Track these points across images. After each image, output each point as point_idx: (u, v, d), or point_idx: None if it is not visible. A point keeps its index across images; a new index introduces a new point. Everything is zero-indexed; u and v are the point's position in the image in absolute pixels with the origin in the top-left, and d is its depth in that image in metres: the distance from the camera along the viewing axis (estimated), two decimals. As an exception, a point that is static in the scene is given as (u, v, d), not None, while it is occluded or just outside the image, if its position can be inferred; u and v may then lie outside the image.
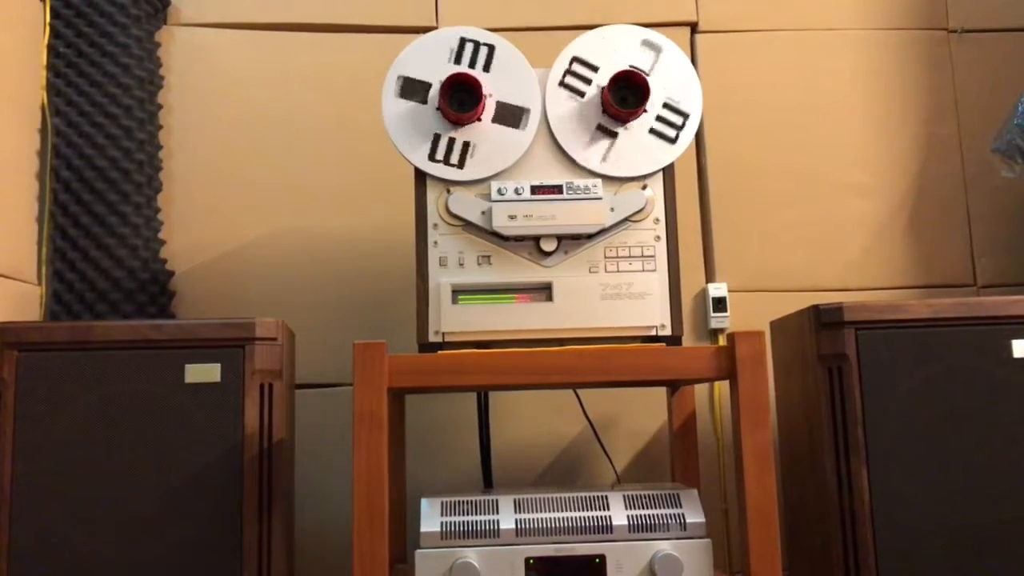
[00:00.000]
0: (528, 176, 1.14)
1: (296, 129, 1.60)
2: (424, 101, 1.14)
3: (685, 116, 1.15)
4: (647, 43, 1.16)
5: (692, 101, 1.16)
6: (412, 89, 1.14)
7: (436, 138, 1.13)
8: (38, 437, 1.10)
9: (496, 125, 1.14)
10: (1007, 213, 1.64)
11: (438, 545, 1.06)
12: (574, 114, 1.15)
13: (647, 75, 1.14)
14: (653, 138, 1.14)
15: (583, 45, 1.16)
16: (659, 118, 1.15)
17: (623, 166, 1.14)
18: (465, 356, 1.07)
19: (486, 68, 1.15)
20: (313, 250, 1.57)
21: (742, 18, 1.66)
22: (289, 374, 1.23)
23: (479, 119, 1.13)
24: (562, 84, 1.15)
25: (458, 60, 1.15)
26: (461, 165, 1.13)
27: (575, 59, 1.15)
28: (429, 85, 1.14)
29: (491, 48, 1.15)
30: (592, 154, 1.14)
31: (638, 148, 1.14)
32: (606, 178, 1.14)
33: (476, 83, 1.11)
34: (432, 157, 1.12)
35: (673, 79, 1.16)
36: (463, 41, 1.15)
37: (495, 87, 1.14)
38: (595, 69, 1.15)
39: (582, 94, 1.15)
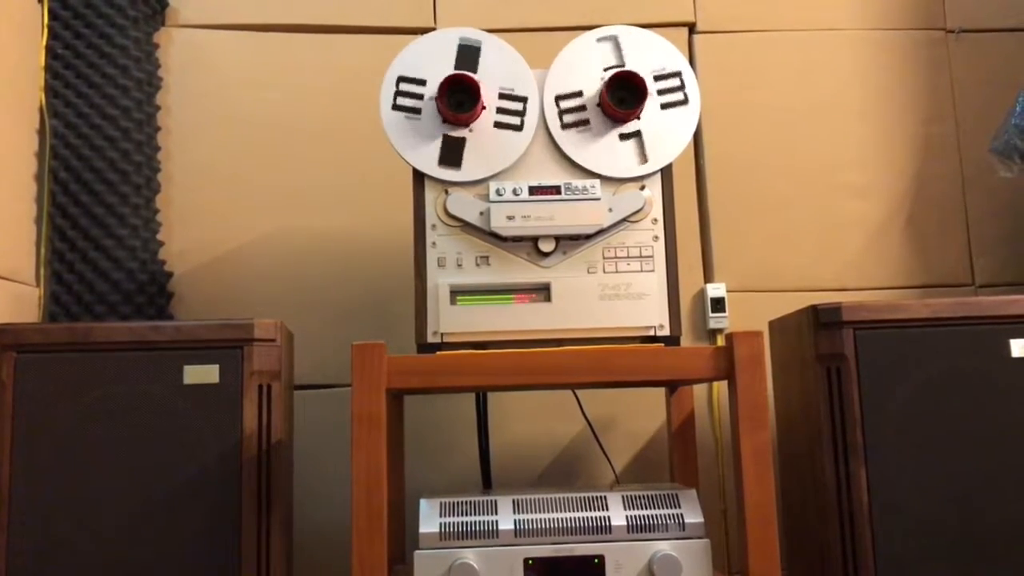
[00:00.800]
0: (526, 177, 1.14)
1: (294, 130, 1.60)
2: (421, 107, 1.14)
3: (523, 100, 1.15)
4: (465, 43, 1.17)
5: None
6: (410, 93, 1.14)
7: (440, 140, 1.13)
8: (36, 438, 1.10)
9: (501, 119, 1.14)
10: (1005, 213, 1.64)
11: (437, 546, 1.06)
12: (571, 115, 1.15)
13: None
14: (656, 133, 1.14)
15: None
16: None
17: (625, 166, 1.14)
18: (464, 357, 1.07)
19: (479, 68, 1.15)
20: (311, 251, 1.57)
21: (740, 18, 1.67)
22: (288, 375, 1.23)
23: (479, 118, 1.13)
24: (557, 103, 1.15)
25: (454, 62, 1.15)
26: (471, 163, 1.13)
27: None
28: (424, 81, 1.14)
29: (478, 48, 1.15)
30: (591, 154, 1.14)
31: (640, 146, 1.14)
32: (604, 178, 1.14)
33: (474, 83, 1.11)
34: (441, 162, 1.13)
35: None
36: (459, 41, 1.16)
37: (492, 86, 1.14)
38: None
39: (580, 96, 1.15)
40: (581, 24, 1.60)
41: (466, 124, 1.13)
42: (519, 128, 1.14)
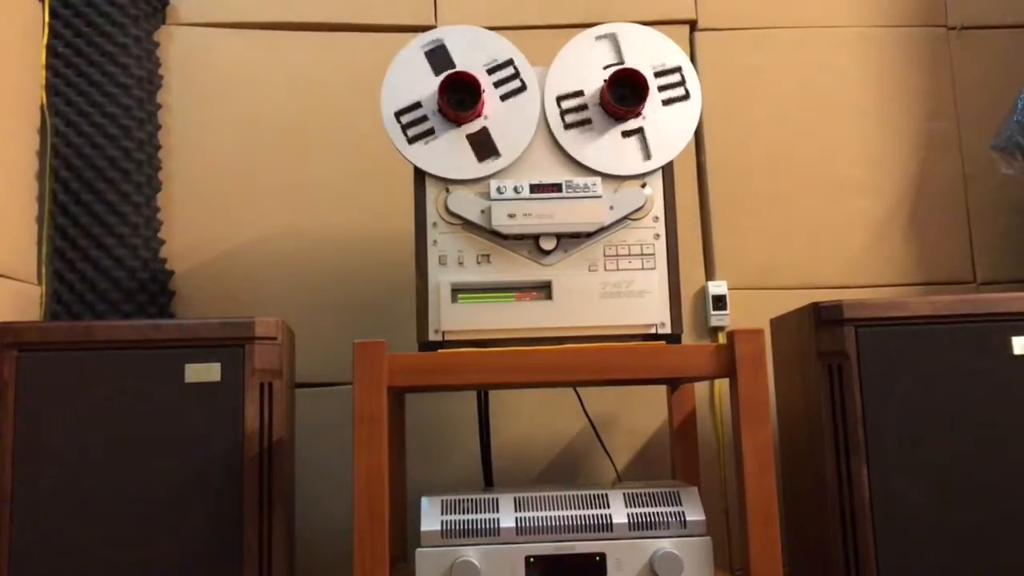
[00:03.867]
0: (527, 175, 1.14)
1: (295, 128, 1.60)
2: (426, 118, 1.14)
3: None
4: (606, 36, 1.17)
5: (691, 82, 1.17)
6: (413, 121, 1.14)
7: (451, 143, 1.13)
8: (38, 437, 1.10)
9: (502, 105, 1.14)
10: (1007, 210, 1.64)
11: (438, 544, 1.06)
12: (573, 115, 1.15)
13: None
14: (659, 129, 1.14)
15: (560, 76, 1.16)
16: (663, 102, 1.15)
17: (623, 164, 1.14)
18: (465, 355, 1.07)
19: (456, 61, 1.15)
20: (313, 249, 1.57)
21: (741, 16, 1.66)
22: (289, 373, 1.23)
23: (480, 115, 1.13)
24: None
25: (435, 68, 1.15)
26: (498, 152, 1.13)
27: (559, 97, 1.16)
28: (420, 104, 1.14)
29: (442, 43, 1.15)
30: (591, 152, 1.14)
31: (643, 143, 1.14)
32: (605, 176, 1.14)
33: (473, 80, 1.11)
34: (455, 162, 1.13)
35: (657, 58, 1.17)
36: (427, 51, 1.15)
37: (481, 73, 1.14)
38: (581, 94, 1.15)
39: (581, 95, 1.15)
40: (582, 21, 1.60)
41: (470, 120, 1.13)
42: (523, 88, 1.14)
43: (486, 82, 1.14)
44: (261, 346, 1.14)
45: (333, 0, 1.63)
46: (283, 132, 1.60)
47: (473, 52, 1.15)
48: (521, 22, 1.63)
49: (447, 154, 1.13)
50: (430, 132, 1.13)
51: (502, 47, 1.16)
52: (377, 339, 1.05)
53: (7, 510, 1.08)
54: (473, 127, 1.13)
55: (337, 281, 1.56)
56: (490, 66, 1.15)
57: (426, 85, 1.14)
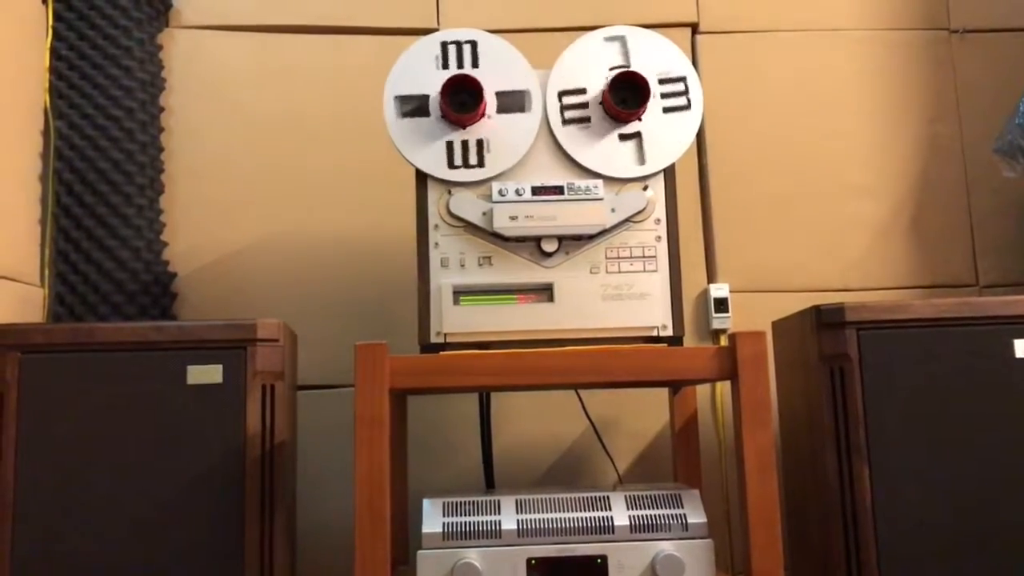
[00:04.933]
0: (529, 177, 1.14)
1: (298, 131, 1.60)
2: (426, 113, 1.14)
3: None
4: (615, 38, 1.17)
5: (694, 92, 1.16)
6: (410, 105, 1.14)
7: (449, 145, 1.13)
8: (40, 439, 1.10)
9: (503, 116, 1.14)
10: (1009, 213, 1.64)
11: (440, 546, 1.06)
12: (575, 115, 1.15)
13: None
14: (656, 136, 1.14)
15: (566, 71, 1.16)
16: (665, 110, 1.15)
17: (625, 166, 1.14)
18: (466, 357, 1.07)
19: (475, 64, 1.15)
20: (315, 252, 1.57)
21: (743, 19, 1.67)
22: (291, 375, 1.23)
23: (483, 116, 1.13)
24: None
25: (446, 64, 1.15)
26: (481, 163, 1.13)
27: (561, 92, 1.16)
28: (426, 97, 1.14)
29: (474, 44, 1.16)
30: (593, 154, 1.14)
31: (639, 147, 1.14)
32: (607, 178, 1.14)
33: (475, 82, 1.11)
34: (451, 164, 1.13)
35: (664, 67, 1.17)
36: (444, 45, 1.16)
37: (489, 80, 1.15)
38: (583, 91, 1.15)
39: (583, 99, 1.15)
40: (584, 24, 1.60)
41: (473, 123, 1.13)
42: (527, 110, 1.14)
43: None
44: (263, 348, 1.14)
45: (335, 3, 1.63)
46: (286, 134, 1.60)
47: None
48: (523, 25, 1.63)
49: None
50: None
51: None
52: (379, 341, 1.05)
53: (9, 511, 1.08)
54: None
55: (339, 283, 1.56)
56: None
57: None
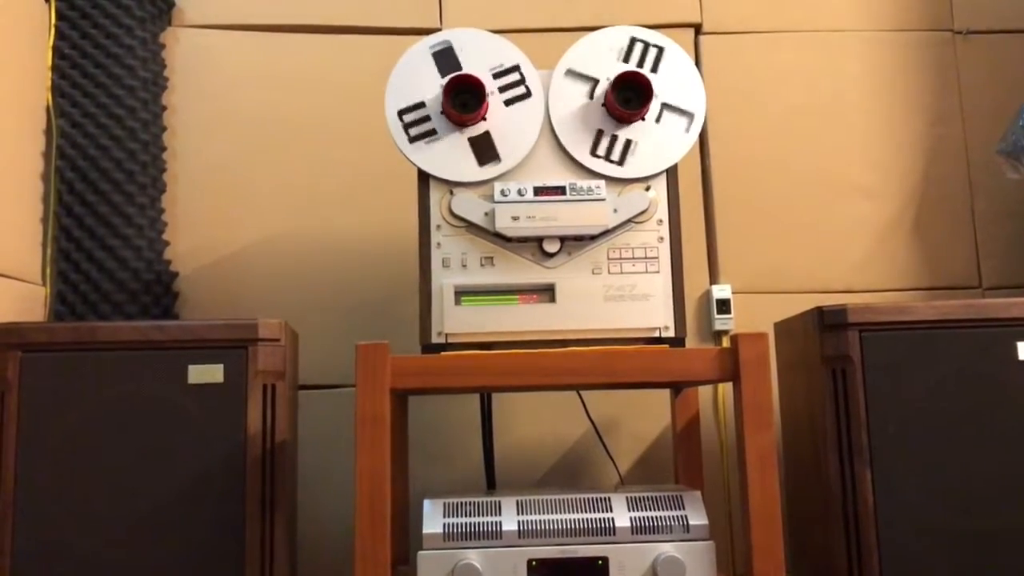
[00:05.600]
0: (531, 177, 1.14)
1: (300, 130, 1.60)
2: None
3: (690, 116, 1.15)
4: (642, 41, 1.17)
5: (695, 101, 1.16)
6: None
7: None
8: (41, 438, 1.10)
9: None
10: (1012, 215, 1.63)
11: (440, 547, 1.06)
12: (577, 115, 1.15)
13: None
14: (659, 138, 1.14)
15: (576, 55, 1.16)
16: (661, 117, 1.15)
17: (627, 167, 1.14)
18: (468, 357, 1.07)
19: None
20: (316, 251, 1.57)
21: (746, 19, 1.66)
22: (292, 375, 1.23)
23: (484, 118, 1.13)
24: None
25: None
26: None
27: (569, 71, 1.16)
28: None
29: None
30: (595, 155, 1.14)
31: (642, 148, 1.14)
32: (609, 179, 1.14)
33: (478, 83, 1.11)
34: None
35: (674, 79, 1.16)
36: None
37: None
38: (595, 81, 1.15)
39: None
40: (585, 25, 1.60)
41: (471, 124, 1.13)
42: (528, 94, 1.14)
43: (491, 86, 1.14)
44: (264, 348, 1.14)
45: (338, 2, 1.63)
46: (288, 134, 1.60)
47: (481, 55, 1.15)
48: (525, 25, 1.63)
49: (448, 156, 1.13)
50: (432, 133, 1.13)
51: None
52: (380, 341, 1.05)
53: (10, 510, 1.08)
54: (476, 130, 1.13)
55: (340, 283, 1.56)
56: (496, 70, 1.15)
57: (431, 86, 1.14)
